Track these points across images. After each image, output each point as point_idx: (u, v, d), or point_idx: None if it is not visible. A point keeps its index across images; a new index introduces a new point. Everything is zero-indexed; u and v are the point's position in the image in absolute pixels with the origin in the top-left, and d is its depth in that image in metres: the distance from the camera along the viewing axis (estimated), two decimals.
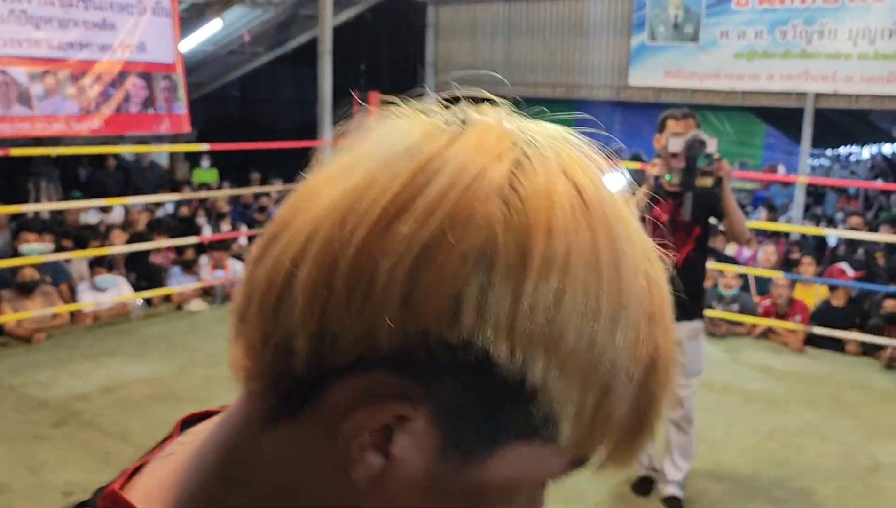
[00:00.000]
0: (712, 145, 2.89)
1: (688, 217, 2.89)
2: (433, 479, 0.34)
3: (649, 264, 0.36)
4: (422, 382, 0.32)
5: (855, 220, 7.54)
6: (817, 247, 7.66)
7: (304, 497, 0.36)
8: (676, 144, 2.86)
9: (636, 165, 8.58)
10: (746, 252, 6.84)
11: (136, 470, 0.41)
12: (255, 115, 16.56)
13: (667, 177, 2.93)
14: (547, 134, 0.36)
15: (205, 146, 7.02)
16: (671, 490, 3.11)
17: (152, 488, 0.39)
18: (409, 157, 0.33)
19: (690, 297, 2.87)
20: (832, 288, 5.58)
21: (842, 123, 10.58)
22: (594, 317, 0.32)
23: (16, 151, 5.17)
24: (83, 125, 6.17)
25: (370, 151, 0.35)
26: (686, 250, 2.96)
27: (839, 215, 10.31)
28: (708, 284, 6.10)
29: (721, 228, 3.20)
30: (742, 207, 11.07)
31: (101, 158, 9.05)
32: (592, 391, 0.33)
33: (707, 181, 2.90)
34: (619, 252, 0.33)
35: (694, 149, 2.85)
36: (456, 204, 0.31)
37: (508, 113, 0.37)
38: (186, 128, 6.97)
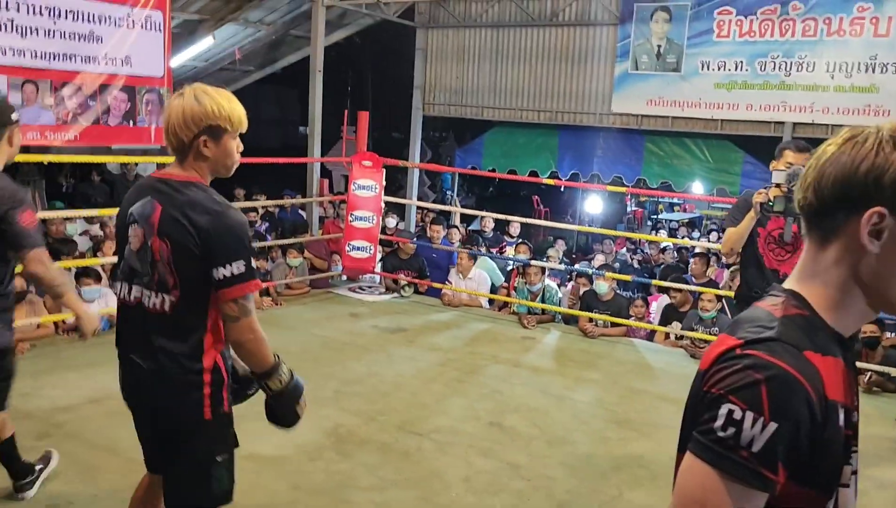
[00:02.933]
0: None
1: (788, 239, 3.57)
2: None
3: None
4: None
5: None
6: None
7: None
8: (779, 176, 3.43)
9: (621, 190, 8.72)
10: (726, 275, 6.95)
11: None
12: None
13: (770, 204, 3.51)
14: None
15: None
16: None
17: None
18: None
19: None
20: None
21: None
22: None
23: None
24: (58, 136, 6.11)
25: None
26: (793, 262, 3.58)
27: None
28: (686, 308, 6.21)
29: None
30: (711, 232, 11.09)
31: (84, 169, 8.91)
32: None
33: None
34: None
35: (794, 181, 3.54)
36: None
37: None
38: None
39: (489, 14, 9.44)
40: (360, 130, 7.62)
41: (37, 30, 5.92)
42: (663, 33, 8.17)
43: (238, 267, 1.90)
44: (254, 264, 2.00)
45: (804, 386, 0.89)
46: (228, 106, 2.00)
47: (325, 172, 11.52)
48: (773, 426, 0.87)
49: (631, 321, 6.34)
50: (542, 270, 6.60)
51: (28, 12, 5.83)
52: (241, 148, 2.11)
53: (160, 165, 10.61)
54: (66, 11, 6.07)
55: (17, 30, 5.78)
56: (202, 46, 9.16)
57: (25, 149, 5.56)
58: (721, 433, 0.88)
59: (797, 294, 1.01)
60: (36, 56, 5.94)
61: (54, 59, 6.05)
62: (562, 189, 14.99)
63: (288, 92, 17.63)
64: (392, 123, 14.78)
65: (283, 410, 2.12)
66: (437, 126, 16.11)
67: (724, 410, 0.88)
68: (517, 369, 5.27)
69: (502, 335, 6.09)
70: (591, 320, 6.27)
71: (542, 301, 6.54)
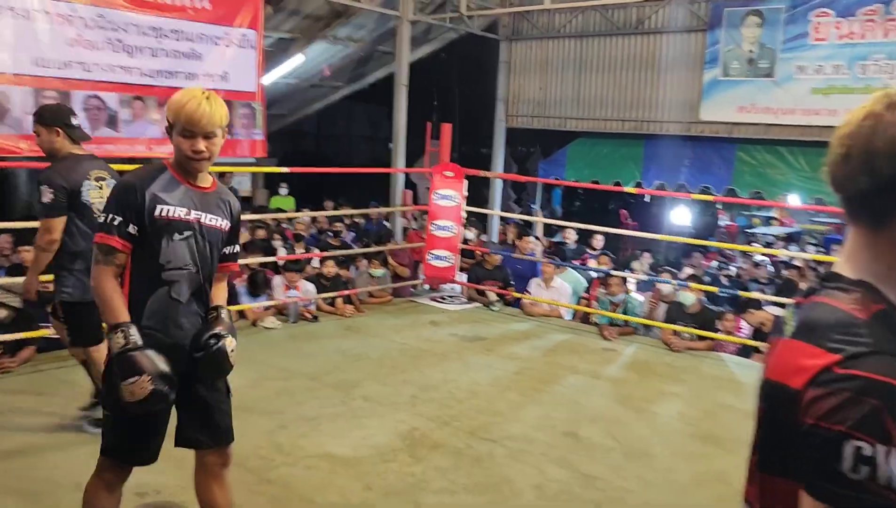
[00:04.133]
0: None
1: None
2: None
3: None
4: None
5: None
6: None
7: None
8: None
9: (708, 198, 8.43)
10: None
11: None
12: (329, 150, 17.18)
13: None
14: None
15: (284, 169, 7.24)
16: None
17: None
18: None
19: None
20: None
21: None
22: None
23: (115, 168, 5.47)
24: (163, 148, 6.51)
25: None
26: None
27: None
28: (769, 327, 5.90)
29: None
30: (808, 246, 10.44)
31: None
32: None
33: None
34: None
35: None
36: None
37: None
38: (262, 153, 7.24)
39: (573, 24, 9.38)
40: (442, 142, 7.72)
41: (143, 49, 6.35)
42: (755, 38, 7.87)
43: (101, 218, 2.12)
44: (111, 221, 2.10)
45: None
46: (171, 103, 2.13)
47: (411, 186, 11.73)
48: None
49: (719, 335, 6.09)
50: (624, 281, 6.46)
51: (135, 32, 6.26)
52: (197, 148, 2.16)
53: (254, 176, 11.15)
54: (170, 31, 6.48)
55: (125, 49, 6.22)
56: (293, 64, 9.55)
57: (132, 160, 5.96)
58: (853, 476, 0.80)
59: (870, 285, 0.91)
60: (143, 74, 6.36)
61: (159, 76, 6.46)
62: (645, 198, 14.64)
63: (378, 110, 18.11)
64: (479, 138, 14.89)
65: (110, 377, 2.17)
66: (524, 140, 16.08)
67: (849, 449, 0.80)
68: (596, 380, 5.17)
69: (582, 346, 5.98)
70: (675, 332, 6.07)
71: (625, 313, 6.38)
